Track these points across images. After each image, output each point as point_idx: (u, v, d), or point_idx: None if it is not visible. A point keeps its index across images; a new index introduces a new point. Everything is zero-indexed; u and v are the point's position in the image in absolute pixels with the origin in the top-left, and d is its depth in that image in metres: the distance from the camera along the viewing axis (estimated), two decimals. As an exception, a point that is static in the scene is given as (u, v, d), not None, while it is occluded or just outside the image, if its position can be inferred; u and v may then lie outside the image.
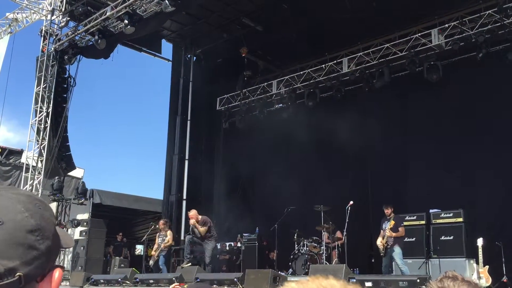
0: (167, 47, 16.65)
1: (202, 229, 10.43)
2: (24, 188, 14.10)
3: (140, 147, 47.81)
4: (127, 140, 47.02)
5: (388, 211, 9.47)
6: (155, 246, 11.71)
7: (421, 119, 12.23)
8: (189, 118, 15.96)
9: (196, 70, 16.48)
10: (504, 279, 8.42)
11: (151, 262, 12.03)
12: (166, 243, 11.44)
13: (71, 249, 14.67)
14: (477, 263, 8.56)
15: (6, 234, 0.79)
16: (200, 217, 10.64)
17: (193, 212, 10.78)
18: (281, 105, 15.23)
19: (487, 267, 8.43)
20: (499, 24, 10.74)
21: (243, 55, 14.68)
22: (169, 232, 11.88)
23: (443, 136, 11.77)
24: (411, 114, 12.50)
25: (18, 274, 0.78)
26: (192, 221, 10.52)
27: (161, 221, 12.01)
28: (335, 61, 13.85)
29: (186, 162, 15.64)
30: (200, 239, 10.57)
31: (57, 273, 0.86)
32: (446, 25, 11.71)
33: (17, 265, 0.78)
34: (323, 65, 14.10)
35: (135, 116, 47.25)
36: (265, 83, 15.42)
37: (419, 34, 12.20)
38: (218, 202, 15.45)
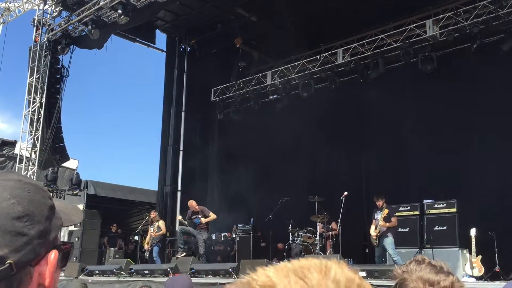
0: (161, 38, 16.59)
1: (210, 217, 10.58)
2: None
3: (135, 138, 47.72)
4: (121, 131, 46.89)
5: (379, 202, 9.51)
6: (148, 237, 11.79)
7: (416, 109, 12.25)
8: (183, 109, 15.93)
9: (190, 61, 16.42)
10: (497, 268, 8.49)
11: (146, 254, 12.09)
12: (158, 232, 11.54)
13: (66, 239, 14.66)
14: (470, 253, 8.63)
15: None
16: (198, 207, 10.84)
17: (194, 203, 11.01)
18: (275, 96, 15.21)
19: (480, 257, 8.50)
20: (494, 15, 10.74)
21: (238, 45, 14.61)
22: (161, 222, 11.94)
23: (437, 127, 11.81)
24: (405, 105, 12.52)
25: (8, 261, 0.77)
26: (203, 220, 10.66)
27: (153, 212, 12.08)
28: (329, 52, 13.83)
29: (181, 153, 15.64)
30: (194, 227, 10.73)
31: (52, 254, 0.86)
32: (441, 16, 11.71)
33: (6, 253, 0.78)
34: (317, 56, 14.07)
35: (129, 107, 47.09)
36: (260, 74, 15.39)
37: (414, 25, 12.19)
38: (212, 193, 15.47)
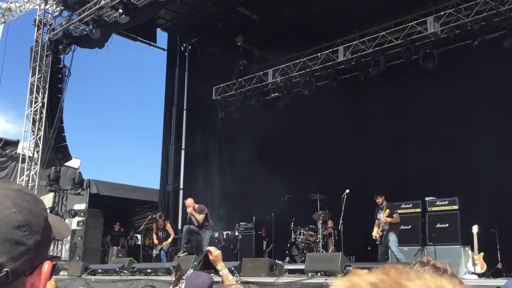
0: (162, 37, 16.60)
1: (200, 216, 10.50)
2: (20, 179, 14.10)
3: (137, 137, 47.77)
4: (123, 130, 46.95)
5: (379, 200, 9.54)
6: (155, 237, 11.85)
7: (417, 106, 12.23)
8: (185, 108, 15.95)
9: (191, 60, 16.43)
10: (499, 265, 8.50)
11: (154, 252, 12.13)
12: (168, 239, 11.65)
13: (68, 239, 14.70)
14: (472, 250, 8.64)
15: None
16: (196, 205, 10.71)
17: (189, 200, 10.85)
18: (277, 94, 15.21)
19: (482, 254, 8.50)
20: (495, 11, 10.72)
21: (239, 44, 14.62)
22: (168, 226, 12.01)
23: (439, 124, 11.79)
24: (407, 102, 12.51)
25: (5, 269, 0.78)
26: (189, 209, 10.60)
27: (160, 220, 12.07)
28: (330, 50, 13.82)
29: (183, 152, 15.65)
30: (198, 228, 10.64)
31: (46, 265, 0.87)
32: (442, 13, 11.68)
33: (4, 261, 0.79)
34: (318, 54, 14.06)
35: (131, 106, 47.14)
36: (261, 72, 15.38)
37: (415, 22, 12.17)
38: (214, 191, 15.48)
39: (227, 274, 3.30)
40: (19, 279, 0.81)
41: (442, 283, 0.67)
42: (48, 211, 0.91)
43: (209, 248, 3.35)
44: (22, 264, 0.81)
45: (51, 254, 0.91)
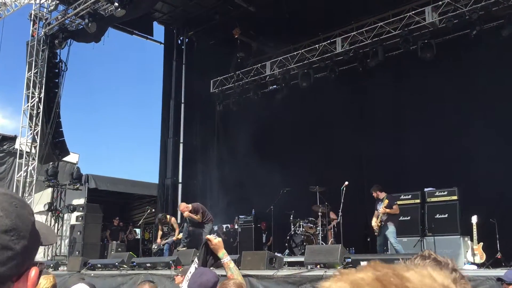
0: (159, 30, 16.49)
1: (197, 216, 10.56)
2: (18, 174, 14.07)
3: (135, 131, 47.70)
4: (121, 124, 46.87)
5: (375, 194, 9.55)
6: (160, 233, 11.74)
7: (416, 97, 12.19)
8: (183, 101, 15.88)
9: (188, 53, 16.34)
10: (498, 255, 8.49)
11: (154, 247, 12.07)
12: (176, 236, 11.56)
13: (67, 234, 14.70)
14: (472, 240, 8.62)
15: None
16: (190, 206, 10.74)
17: (182, 206, 10.98)
18: (275, 86, 15.15)
19: (481, 244, 8.49)
20: (493, 0, 10.64)
21: (236, 36, 14.54)
22: (173, 220, 11.89)
23: (437, 115, 11.77)
24: (406, 93, 12.46)
25: None
26: (186, 214, 10.66)
27: (165, 219, 11.94)
28: (328, 41, 13.74)
29: (181, 146, 15.61)
30: (198, 226, 10.72)
31: (33, 272, 0.85)
32: (440, 3, 11.60)
33: None
34: (316, 45, 13.98)
35: (129, 100, 47.02)
36: (259, 65, 15.31)
37: (413, 12, 12.09)
38: (214, 185, 15.46)
39: (228, 262, 3.29)
40: (5, 285, 0.79)
41: (438, 275, 0.67)
42: (34, 216, 0.89)
43: (208, 236, 3.33)
44: (9, 269, 0.79)
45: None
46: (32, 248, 0.85)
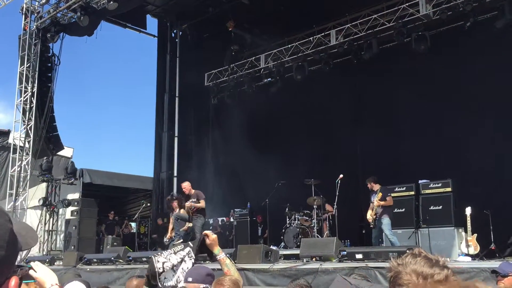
0: (152, 23, 16.38)
1: (201, 203, 10.28)
2: (12, 169, 14.00)
3: (129, 125, 47.53)
4: (115, 118, 46.69)
5: (369, 185, 9.60)
6: (170, 226, 11.21)
7: (410, 89, 12.20)
8: (177, 95, 15.83)
9: (182, 46, 16.26)
10: (492, 246, 8.56)
11: (166, 240, 11.60)
12: (187, 226, 11.07)
13: (63, 228, 14.67)
14: (466, 231, 8.69)
15: None
16: (193, 190, 10.53)
17: (186, 183, 10.59)
18: (269, 79, 15.12)
19: (475, 235, 8.56)
20: (487, -8, 10.65)
21: (230, 29, 14.46)
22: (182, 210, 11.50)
23: (431, 107, 11.79)
24: (400, 85, 12.46)
25: None
26: (188, 204, 10.31)
27: (175, 202, 11.38)
28: (322, 34, 13.70)
29: (176, 139, 15.58)
30: (187, 219, 10.43)
31: (13, 281, 0.83)
32: (434, -6, 11.59)
33: None
34: (311, 38, 13.94)
35: (122, 93, 46.79)
36: (253, 58, 15.25)
37: (407, 4, 12.05)
38: (209, 178, 15.45)
39: (224, 258, 3.26)
40: None
41: None
42: (12, 222, 0.85)
43: (206, 232, 3.29)
44: None
45: (19, 263, 0.86)
46: (10, 257, 0.82)
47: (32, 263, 1.98)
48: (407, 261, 1.45)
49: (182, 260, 3.15)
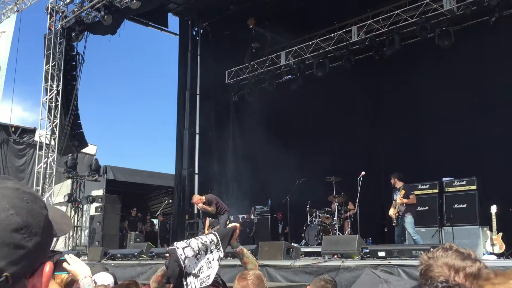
0: (173, 21, 16.51)
1: (211, 208, 10.55)
2: (38, 166, 14.30)
3: (151, 123, 48.01)
4: (137, 116, 47.21)
5: (392, 181, 9.50)
6: (207, 223, 11.28)
7: (433, 86, 12.04)
8: (198, 92, 15.92)
9: (203, 44, 16.34)
10: (518, 245, 8.42)
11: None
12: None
13: (87, 224, 14.94)
14: (491, 230, 8.55)
15: None
16: (203, 198, 10.71)
17: (195, 198, 10.87)
18: (290, 76, 15.09)
19: (500, 234, 8.42)
20: (513, -14, 10.43)
21: (251, 26, 14.46)
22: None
23: (455, 104, 11.60)
24: (423, 82, 12.31)
25: (4, 274, 0.76)
26: (199, 206, 10.65)
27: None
28: (344, 30, 13.61)
29: (197, 137, 15.68)
30: (213, 216, 10.74)
31: (47, 266, 0.85)
32: (458, -11, 11.40)
33: (3, 265, 0.76)
34: (332, 35, 13.87)
35: (145, 91, 47.26)
36: (274, 55, 15.25)
37: (430, -1, 11.90)
38: (230, 175, 15.53)
39: (242, 248, 3.36)
40: (19, 283, 0.79)
41: None
42: (47, 208, 0.88)
43: (237, 224, 3.38)
44: (22, 268, 0.79)
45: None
46: (46, 243, 0.85)
47: (66, 256, 2.04)
48: (438, 254, 1.46)
49: (207, 248, 3.11)
